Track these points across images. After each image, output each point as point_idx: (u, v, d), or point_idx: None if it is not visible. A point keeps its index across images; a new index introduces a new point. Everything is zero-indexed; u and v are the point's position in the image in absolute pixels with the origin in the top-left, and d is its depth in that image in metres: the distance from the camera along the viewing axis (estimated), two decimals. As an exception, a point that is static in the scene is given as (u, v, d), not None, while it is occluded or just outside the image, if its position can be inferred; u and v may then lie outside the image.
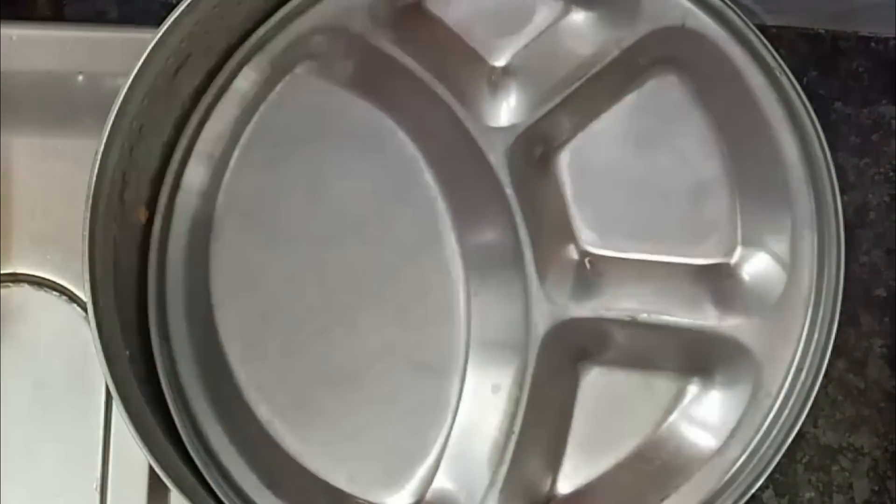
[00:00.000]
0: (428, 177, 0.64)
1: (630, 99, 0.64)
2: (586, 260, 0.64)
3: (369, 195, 0.64)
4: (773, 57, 0.59)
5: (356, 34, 0.62)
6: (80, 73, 0.66)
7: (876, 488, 0.69)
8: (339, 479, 0.61)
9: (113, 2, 0.72)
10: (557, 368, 0.62)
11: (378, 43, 0.62)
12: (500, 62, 0.65)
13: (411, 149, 0.64)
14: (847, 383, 0.70)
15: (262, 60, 0.62)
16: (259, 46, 0.62)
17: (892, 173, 0.72)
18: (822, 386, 0.58)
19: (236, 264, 0.63)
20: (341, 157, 0.64)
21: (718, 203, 0.63)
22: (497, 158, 0.61)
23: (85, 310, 0.63)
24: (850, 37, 0.73)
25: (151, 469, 0.60)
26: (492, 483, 0.59)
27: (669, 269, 0.63)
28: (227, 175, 0.63)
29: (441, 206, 0.64)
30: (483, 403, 0.62)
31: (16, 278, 0.67)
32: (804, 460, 0.69)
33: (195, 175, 0.62)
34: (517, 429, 0.59)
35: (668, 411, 0.63)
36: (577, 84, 0.61)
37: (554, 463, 0.62)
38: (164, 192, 0.61)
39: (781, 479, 0.69)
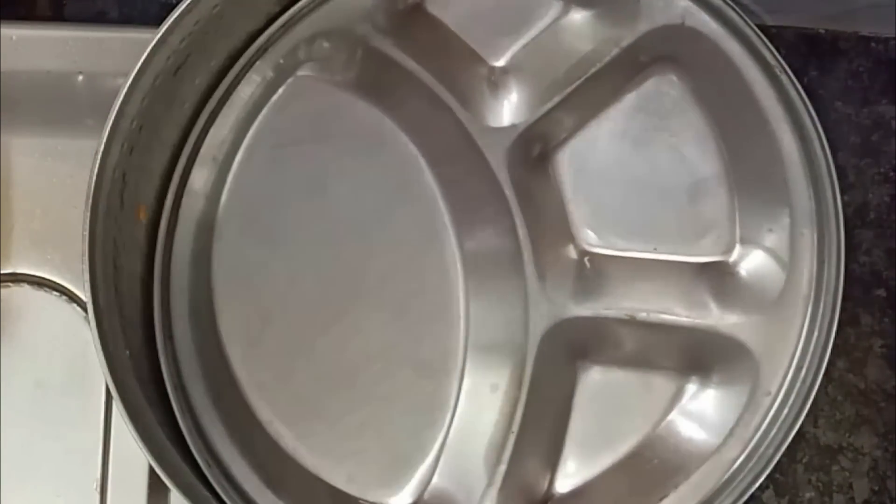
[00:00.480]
0: (428, 177, 0.64)
1: (629, 98, 0.64)
2: (585, 259, 0.64)
3: (370, 196, 0.64)
4: (773, 55, 0.59)
5: (358, 37, 0.62)
6: (80, 73, 0.66)
7: (876, 488, 0.69)
8: (338, 478, 0.61)
9: (113, 2, 0.72)
10: (556, 368, 0.62)
11: (379, 45, 0.62)
12: (499, 62, 0.65)
13: (411, 149, 0.64)
14: (847, 383, 0.70)
15: (265, 65, 0.62)
16: (262, 51, 0.62)
17: (892, 173, 0.72)
18: (822, 386, 0.58)
19: (238, 265, 0.63)
20: (342, 158, 0.64)
21: (717, 201, 0.63)
22: (496, 159, 0.61)
23: (85, 310, 0.64)
24: (850, 37, 0.72)
25: (151, 469, 0.60)
26: (490, 482, 0.59)
27: (668, 268, 0.63)
28: (231, 178, 0.63)
29: (441, 206, 0.64)
30: (481, 403, 0.62)
31: (16, 278, 0.67)
32: (804, 460, 0.69)
33: (199, 178, 0.62)
34: (516, 428, 0.59)
35: (667, 410, 0.63)
36: (576, 83, 0.61)
37: (552, 462, 0.62)
38: (169, 196, 0.61)
39: (781, 478, 0.69)
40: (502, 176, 0.61)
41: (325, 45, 0.63)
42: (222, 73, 0.62)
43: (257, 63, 0.62)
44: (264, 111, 0.64)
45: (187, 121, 0.62)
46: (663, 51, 0.62)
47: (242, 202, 0.63)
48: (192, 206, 0.62)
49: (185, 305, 0.61)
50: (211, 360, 0.61)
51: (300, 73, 0.64)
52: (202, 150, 0.62)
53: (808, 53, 0.72)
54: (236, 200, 0.63)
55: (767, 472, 0.58)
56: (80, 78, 0.66)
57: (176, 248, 0.61)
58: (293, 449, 0.61)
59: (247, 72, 0.62)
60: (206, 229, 0.62)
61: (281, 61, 0.63)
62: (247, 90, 0.63)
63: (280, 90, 0.64)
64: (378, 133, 0.64)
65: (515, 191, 0.60)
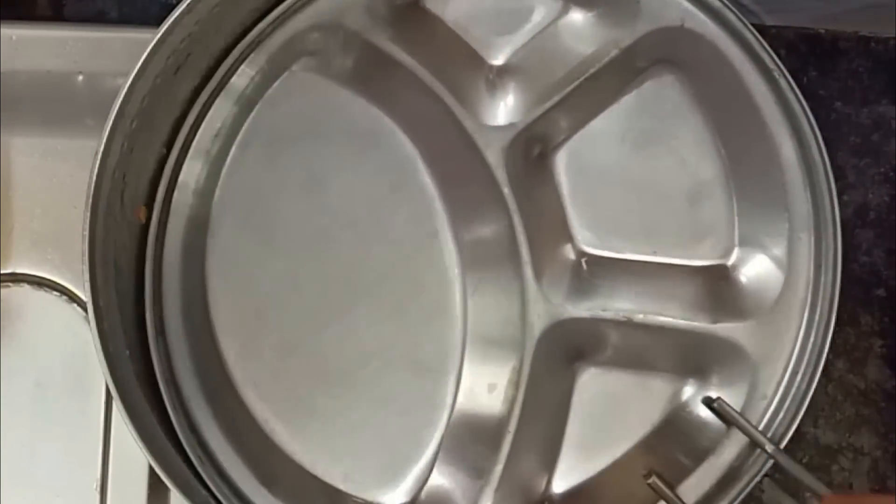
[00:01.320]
0: (425, 175, 0.64)
1: (628, 99, 0.64)
2: (583, 260, 0.64)
3: (366, 193, 0.64)
4: (772, 58, 0.59)
5: (354, 31, 0.62)
6: (80, 73, 0.66)
7: (876, 488, 0.69)
8: (334, 477, 0.61)
9: (113, 2, 0.72)
10: (553, 368, 0.62)
11: (376, 40, 0.62)
12: (498, 61, 0.65)
13: (408, 147, 0.64)
14: (847, 383, 0.70)
15: (260, 58, 0.62)
16: (256, 44, 0.62)
17: (892, 173, 0.71)
18: (822, 386, 0.59)
19: (232, 261, 0.63)
20: (338, 154, 0.64)
21: (716, 204, 0.63)
22: (494, 157, 0.61)
23: (85, 310, 0.64)
24: (850, 37, 0.72)
25: (151, 469, 0.60)
26: (487, 482, 0.59)
27: (666, 270, 0.63)
28: (224, 172, 0.63)
29: (438, 204, 0.64)
30: (479, 403, 0.62)
31: (16, 278, 0.67)
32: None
33: (192, 172, 0.62)
34: (513, 428, 0.59)
35: (664, 412, 0.63)
36: (575, 84, 0.61)
37: (549, 462, 0.62)
38: (160, 189, 0.61)
39: (781, 478, 0.69)
40: (500, 175, 0.60)
41: (321, 38, 0.63)
42: (218, 69, 0.62)
43: (251, 56, 0.62)
44: (258, 106, 0.64)
45: (181, 115, 0.62)
46: (662, 53, 0.62)
47: (236, 198, 0.63)
48: (184, 201, 0.62)
49: (178, 301, 0.61)
50: (205, 356, 0.61)
51: (295, 67, 0.64)
52: (194, 144, 0.62)
53: (807, 53, 0.72)
54: (230, 196, 0.63)
55: (764, 472, 0.58)
56: (80, 78, 0.66)
57: (168, 244, 0.61)
58: (288, 447, 0.62)
59: (240, 65, 0.62)
60: (199, 225, 0.62)
61: (275, 54, 0.62)
62: (241, 83, 0.63)
63: (275, 85, 0.64)
64: (374, 130, 0.64)
65: (513, 190, 0.60)
